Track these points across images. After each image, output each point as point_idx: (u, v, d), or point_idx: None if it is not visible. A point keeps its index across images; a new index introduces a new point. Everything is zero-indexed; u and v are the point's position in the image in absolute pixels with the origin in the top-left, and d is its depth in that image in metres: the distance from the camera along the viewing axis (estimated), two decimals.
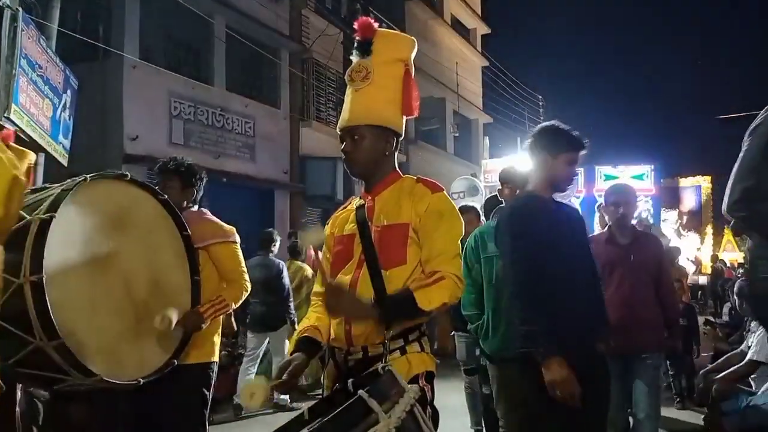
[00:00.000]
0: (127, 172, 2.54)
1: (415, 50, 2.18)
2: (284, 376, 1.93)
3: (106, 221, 2.41)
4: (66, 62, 7.79)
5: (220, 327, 3.06)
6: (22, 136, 6.59)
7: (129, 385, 2.33)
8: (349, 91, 2.14)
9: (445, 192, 2.10)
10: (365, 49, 2.12)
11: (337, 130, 2.15)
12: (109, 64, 9.38)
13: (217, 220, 3.15)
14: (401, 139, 2.18)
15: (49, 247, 2.08)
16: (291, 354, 2.03)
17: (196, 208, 3.18)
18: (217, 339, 2.99)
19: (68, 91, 7.92)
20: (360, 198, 2.18)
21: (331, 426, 1.48)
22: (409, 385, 1.69)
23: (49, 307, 2.03)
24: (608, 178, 13.99)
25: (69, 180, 2.34)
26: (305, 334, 2.08)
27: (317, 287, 2.22)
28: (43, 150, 7.20)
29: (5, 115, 6.19)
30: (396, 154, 2.17)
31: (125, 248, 2.44)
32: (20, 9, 6.49)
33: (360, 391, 1.52)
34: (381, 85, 2.09)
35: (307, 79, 13.38)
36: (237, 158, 11.54)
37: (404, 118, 2.15)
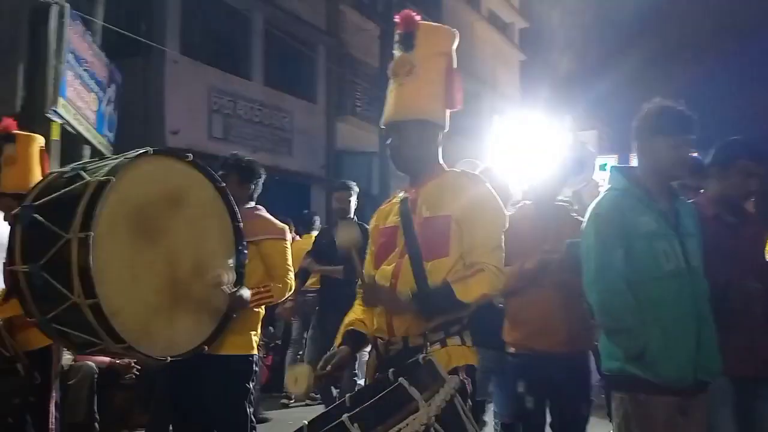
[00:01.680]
0: (189, 154, 2.56)
1: (457, 42, 2.16)
2: (328, 368, 1.96)
3: (161, 196, 2.41)
4: (110, 57, 8.00)
5: (260, 321, 3.06)
6: (68, 128, 6.79)
7: (156, 361, 2.35)
8: (392, 86, 2.13)
9: (488, 184, 2.10)
10: (408, 42, 2.10)
11: (381, 125, 2.15)
12: (152, 60, 9.58)
13: (271, 218, 3.16)
14: (445, 132, 2.17)
15: (102, 209, 2.11)
16: (338, 347, 2.06)
17: (252, 204, 3.17)
18: (255, 332, 2.99)
19: (112, 86, 8.13)
20: (404, 191, 2.19)
21: (372, 412, 1.48)
22: (449, 376, 1.68)
23: (92, 265, 2.05)
24: None
25: (132, 151, 2.37)
26: (351, 327, 2.11)
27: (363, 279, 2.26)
28: (89, 142, 7.41)
29: (53, 108, 6.39)
30: (440, 147, 2.17)
31: (175, 227, 2.43)
32: (67, 4, 6.68)
33: (400, 379, 1.53)
34: (425, 79, 2.08)
35: (343, 74, 13.43)
36: (274, 152, 11.66)
37: (448, 111, 2.14)
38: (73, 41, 6.75)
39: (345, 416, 1.45)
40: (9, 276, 2.30)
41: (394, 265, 2.05)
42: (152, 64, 9.60)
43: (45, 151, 3.60)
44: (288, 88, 12.31)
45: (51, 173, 2.42)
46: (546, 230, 2.82)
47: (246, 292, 2.72)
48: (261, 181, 3.22)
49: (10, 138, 3.51)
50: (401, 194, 2.19)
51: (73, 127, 6.86)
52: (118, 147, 7.95)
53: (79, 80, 6.95)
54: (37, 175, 3.52)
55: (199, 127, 10.20)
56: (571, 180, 3.49)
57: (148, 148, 2.37)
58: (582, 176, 3.94)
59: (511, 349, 2.89)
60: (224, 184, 2.67)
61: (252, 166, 3.18)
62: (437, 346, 1.95)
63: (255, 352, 2.97)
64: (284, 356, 6.33)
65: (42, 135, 6.94)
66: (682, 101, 2.31)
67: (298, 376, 1.99)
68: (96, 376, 4.40)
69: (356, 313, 2.16)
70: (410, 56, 2.09)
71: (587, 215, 2.35)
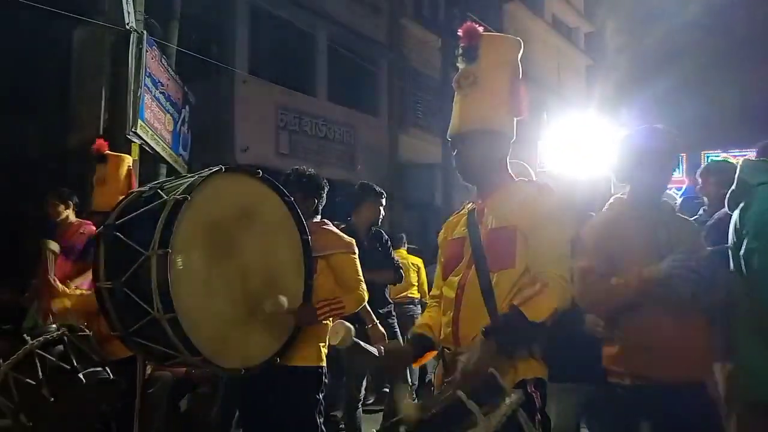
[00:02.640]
0: (259, 170, 2.64)
1: (521, 51, 2.16)
2: (386, 360, 2.09)
3: (233, 212, 2.49)
4: (184, 80, 8.41)
5: (327, 332, 2.99)
6: (146, 149, 7.18)
7: (231, 372, 2.44)
8: (457, 98, 2.14)
9: (556, 194, 2.08)
10: (471, 55, 2.11)
11: (448, 137, 2.16)
12: (222, 80, 9.99)
13: (338, 231, 3.17)
14: (513, 141, 2.16)
15: (179, 226, 2.21)
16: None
17: (318, 218, 3.16)
18: (324, 344, 2.97)
19: (186, 107, 8.54)
20: (472, 203, 2.20)
21: (434, 423, 1.51)
22: (513, 390, 1.66)
23: (170, 280, 2.15)
24: None
25: (206, 170, 2.48)
26: (419, 331, 2.17)
27: (433, 291, 2.29)
28: (165, 161, 7.80)
29: (133, 130, 6.78)
30: (507, 157, 2.16)
31: (247, 241, 2.51)
32: (144, 32, 7.09)
33: (458, 392, 1.53)
34: (489, 90, 2.08)
35: (405, 88, 13.54)
36: (338, 166, 11.87)
37: (515, 120, 2.13)
38: (151, 66, 7.15)
39: (402, 429, 1.47)
40: (95, 292, 2.45)
41: (460, 276, 2.06)
42: (222, 84, 10.01)
43: (133, 171, 3.84)
44: (351, 103, 12.53)
45: (132, 192, 2.56)
46: (656, 231, 2.32)
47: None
48: (324, 193, 3.21)
49: (102, 159, 3.73)
50: (469, 205, 2.20)
51: (151, 147, 7.24)
52: (193, 165, 8.33)
53: (156, 102, 7.34)
54: (122, 195, 3.79)
55: (267, 143, 10.53)
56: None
57: (221, 166, 2.47)
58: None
59: (626, 381, 2.27)
60: (292, 199, 2.72)
61: (314, 180, 3.18)
62: (491, 371, 1.90)
63: (324, 363, 2.97)
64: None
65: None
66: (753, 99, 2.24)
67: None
68: (172, 385, 4.63)
69: (424, 318, 2.21)
70: (474, 68, 2.10)
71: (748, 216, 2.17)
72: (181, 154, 8.35)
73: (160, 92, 7.49)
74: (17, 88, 8.78)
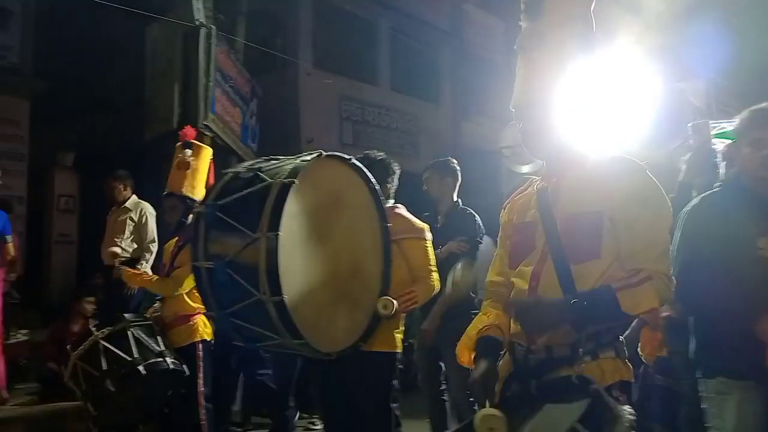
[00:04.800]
0: (351, 156, 2.64)
1: (594, 1, 1.85)
2: (481, 390, 1.81)
3: (328, 198, 2.51)
4: (251, 73, 8.59)
5: (401, 321, 3.05)
6: (218, 141, 7.39)
7: (324, 356, 2.43)
8: (521, 62, 1.88)
9: (649, 173, 1.78)
10: (535, 9, 1.84)
11: (511, 107, 1.90)
12: (287, 73, 10.14)
13: (411, 216, 3.13)
14: None
15: (287, 208, 2.20)
16: (474, 361, 1.88)
17: (391, 203, 3.14)
18: (399, 330, 2.99)
19: (254, 100, 8.74)
20: (542, 179, 1.93)
21: None
22: (620, 408, 1.50)
23: (279, 264, 2.14)
24: None
25: (304, 153, 2.48)
26: (487, 334, 1.90)
27: (492, 276, 2.05)
28: (236, 153, 8.01)
29: (204, 123, 6.99)
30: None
31: (338, 227, 2.52)
32: (213, 27, 7.28)
33: (577, 425, 1.39)
34: (559, 50, 1.80)
35: (467, 74, 13.35)
36: (402, 155, 11.84)
37: None
38: (220, 60, 7.33)
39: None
40: (192, 271, 2.47)
41: (533, 266, 1.81)
42: (288, 77, 10.16)
43: (212, 162, 3.93)
44: (413, 91, 12.45)
45: (226, 173, 2.54)
46: None
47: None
48: (396, 177, 3.19)
49: (188, 145, 3.84)
50: (539, 183, 1.93)
51: (222, 140, 7.45)
52: (261, 156, 8.50)
53: (226, 96, 7.54)
54: (202, 184, 3.83)
55: (331, 134, 10.63)
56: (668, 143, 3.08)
57: (320, 152, 2.45)
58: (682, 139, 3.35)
59: None
60: (377, 186, 2.69)
61: (384, 164, 3.13)
62: (588, 358, 1.70)
63: (399, 350, 2.99)
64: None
65: None
66: None
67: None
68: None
69: (490, 317, 1.94)
70: (539, 25, 1.83)
71: None
72: (250, 146, 8.55)
73: (230, 86, 7.68)
74: (95, 86, 9.23)
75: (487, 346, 1.87)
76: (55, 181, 8.40)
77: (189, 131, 3.83)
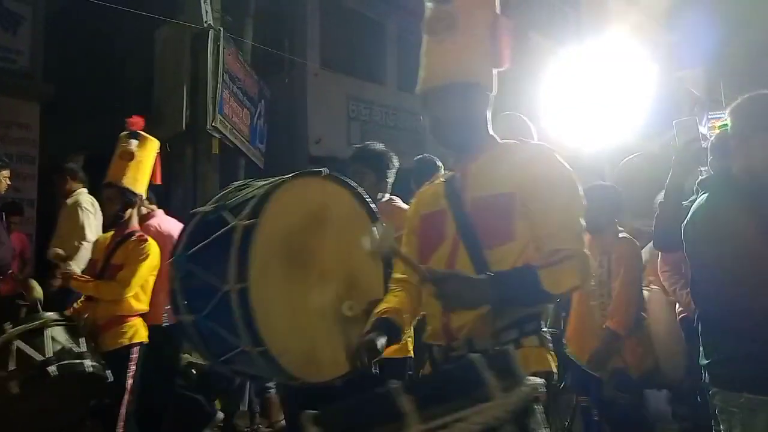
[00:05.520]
0: (324, 168, 2.47)
1: None
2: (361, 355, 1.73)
3: (304, 220, 2.33)
4: (259, 74, 8.61)
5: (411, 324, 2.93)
6: (226, 143, 7.41)
7: (328, 384, 2.26)
8: (428, 45, 1.83)
9: (557, 155, 1.75)
10: None
11: (417, 92, 1.84)
12: (295, 74, 10.16)
13: (407, 207, 2.91)
14: (494, 95, 1.84)
15: (254, 254, 2.06)
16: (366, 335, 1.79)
17: (387, 197, 3.00)
18: (409, 335, 2.81)
19: (262, 101, 8.75)
20: (450, 171, 1.89)
21: (430, 388, 1.21)
22: (532, 378, 1.34)
23: (254, 315, 2.01)
24: None
25: (266, 181, 2.34)
26: (384, 316, 1.83)
27: (396, 275, 1.99)
28: (244, 155, 8.03)
29: (213, 124, 7.00)
30: (489, 114, 1.83)
31: (323, 246, 2.34)
32: (221, 29, 7.30)
33: (471, 355, 1.21)
34: (469, 34, 1.75)
35: None
36: (408, 155, 11.77)
37: (495, 72, 1.81)
38: (228, 62, 7.35)
39: (394, 384, 1.17)
40: (178, 324, 2.33)
41: (446, 257, 1.73)
42: (295, 78, 10.18)
43: (159, 158, 3.62)
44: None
45: (194, 213, 2.40)
46: None
47: None
48: (394, 170, 3.01)
49: (134, 135, 3.48)
50: (446, 174, 1.90)
51: (230, 141, 7.47)
52: (269, 157, 8.53)
53: (234, 98, 7.55)
54: (145, 178, 3.53)
55: (339, 134, 10.63)
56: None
57: (280, 178, 2.27)
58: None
59: None
60: (358, 188, 2.53)
61: (385, 156, 2.97)
62: (511, 347, 1.57)
63: (411, 355, 2.86)
64: None
65: (204, 149, 7.64)
66: None
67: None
68: None
69: (391, 301, 1.88)
70: (448, 7, 1.79)
71: None
72: (258, 147, 8.57)
73: (238, 87, 7.70)
74: (104, 88, 9.29)
75: (380, 326, 1.79)
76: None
77: (136, 120, 3.52)
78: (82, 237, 4.60)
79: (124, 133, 3.51)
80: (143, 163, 3.49)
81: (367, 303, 2.38)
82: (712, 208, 2.17)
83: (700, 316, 2.24)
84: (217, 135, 7.15)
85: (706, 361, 2.17)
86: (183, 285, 2.22)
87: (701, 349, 2.21)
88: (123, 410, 3.26)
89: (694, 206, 2.22)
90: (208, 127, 7.00)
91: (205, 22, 7.19)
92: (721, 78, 7.99)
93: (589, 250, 2.69)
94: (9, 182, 4.78)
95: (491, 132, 1.84)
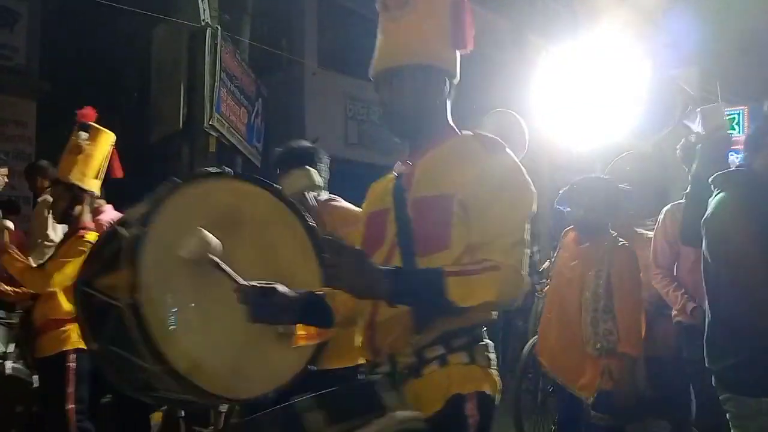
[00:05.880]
0: (227, 168, 2.27)
1: None
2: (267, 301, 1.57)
3: (211, 225, 2.05)
4: (256, 73, 8.60)
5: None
6: (223, 141, 7.40)
7: (260, 399, 2.05)
8: (382, 23, 1.66)
9: (510, 153, 1.56)
10: None
11: (370, 76, 1.67)
12: (293, 73, 10.15)
13: (349, 206, 2.75)
14: (456, 81, 1.68)
15: (146, 265, 1.86)
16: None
17: (325, 196, 2.79)
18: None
19: (260, 100, 8.74)
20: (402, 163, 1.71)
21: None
22: (402, 410, 1.29)
23: (150, 330, 1.82)
24: None
25: (162, 186, 2.11)
26: (320, 295, 1.66)
27: None
28: (241, 153, 8.02)
29: (210, 123, 6.99)
30: (449, 102, 1.67)
31: (237, 251, 2.07)
32: (219, 27, 7.28)
33: (296, 400, 1.19)
34: (425, 11, 1.59)
35: (474, 73, 13.33)
36: None
37: (457, 53, 1.65)
38: (226, 60, 7.34)
39: (296, 401, 1.14)
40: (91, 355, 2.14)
41: (381, 262, 1.53)
42: (293, 77, 10.17)
43: (115, 152, 3.39)
44: None
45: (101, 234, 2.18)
46: None
47: None
48: (326, 166, 2.82)
49: (85, 127, 3.27)
50: (399, 167, 1.71)
51: (227, 140, 7.45)
52: (266, 156, 8.52)
53: (231, 96, 7.54)
54: (95, 173, 3.31)
55: (336, 134, 10.62)
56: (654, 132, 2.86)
57: (174, 181, 2.06)
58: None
59: None
60: (279, 188, 2.34)
61: (310, 153, 2.78)
62: (435, 365, 1.46)
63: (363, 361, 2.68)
64: None
65: (201, 148, 7.62)
66: None
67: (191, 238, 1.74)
68: None
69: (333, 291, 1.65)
70: None
71: None
72: (255, 146, 8.56)
73: (235, 86, 7.69)
74: (101, 86, 9.26)
75: (311, 301, 1.64)
76: None
77: (88, 112, 3.29)
78: (45, 236, 4.43)
79: (76, 126, 3.30)
80: (93, 157, 3.25)
81: None
82: (736, 204, 2.08)
83: (714, 317, 2.15)
84: (214, 133, 7.13)
85: (718, 366, 2.09)
86: (83, 310, 2.03)
87: (708, 353, 2.13)
88: (72, 418, 3.05)
89: (713, 202, 2.14)
90: (205, 125, 6.99)
91: (203, 20, 7.18)
92: (716, 75, 7.97)
93: (581, 257, 2.59)
94: (6, 180, 4.73)
95: (450, 122, 1.66)
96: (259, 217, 2.24)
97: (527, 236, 1.49)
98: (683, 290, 3.26)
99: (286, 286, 1.99)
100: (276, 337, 2.13)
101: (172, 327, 1.90)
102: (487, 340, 1.53)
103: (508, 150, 1.55)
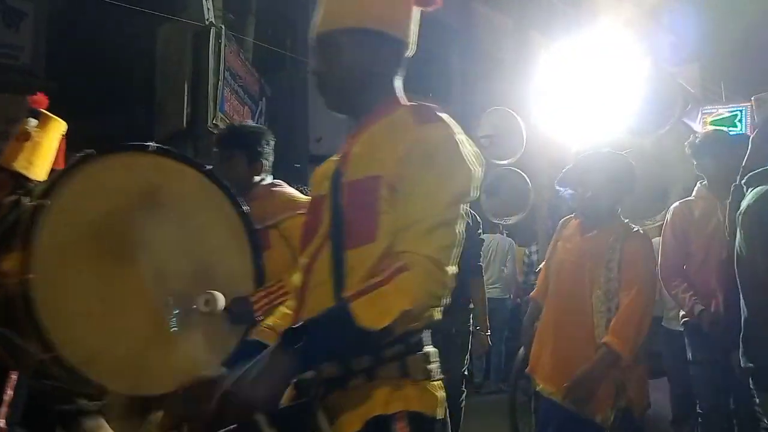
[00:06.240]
0: (150, 143, 2.04)
1: None
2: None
3: (126, 203, 1.92)
4: (260, 73, 8.64)
5: None
6: None
7: (166, 397, 1.79)
8: None
9: (446, 122, 1.31)
10: None
11: (309, 41, 1.48)
12: (296, 73, 10.17)
13: (293, 192, 2.60)
14: (407, 46, 1.45)
15: (43, 240, 1.69)
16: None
17: (268, 180, 2.60)
18: None
19: (263, 99, 8.78)
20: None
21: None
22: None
23: (38, 314, 1.64)
24: None
25: (75, 156, 1.94)
26: (256, 337, 1.41)
27: (295, 277, 1.50)
28: None
29: (213, 122, 7.03)
30: (399, 74, 1.44)
31: (157, 233, 1.93)
32: (223, 27, 7.32)
33: (258, 417, 1.08)
34: None
35: (477, 72, 13.34)
36: None
37: (411, 13, 1.44)
38: (229, 60, 7.38)
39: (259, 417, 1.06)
40: None
41: (312, 254, 1.33)
42: (297, 77, 10.19)
43: (64, 141, 3.19)
44: (422, 90, 12.42)
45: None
46: None
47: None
48: (270, 148, 2.62)
49: (35, 113, 3.07)
50: (342, 147, 1.49)
51: None
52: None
53: (235, 95, 7.58)
54: (44, 162, 3.11)
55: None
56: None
57: (91, 151, 1.86)
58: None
59: None
60: (209, 167, 2.17)
61: (255, 134, 2.62)
62: (362, 378, 1.23)
63: None
64: None
65: (205, 147, 7.66)
66: None
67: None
68: None
69: (278, 315, 1.45)
70: None
71: None
72: None
73: (239, 85, 7.73)
74: (106, 86, 9.31)
75: (244, 351, 1.36)
76: None
77: (39, 98, 3.10)
78: None
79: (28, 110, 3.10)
80: (42, 146, 3.04)
81: (231, 300, 2.04)
82: None
83: (751, 313, 2.05)
84: (218, 132, 7.17)
85: (755, 365, 2.02)
86: None
87: (745, 352, 2.06)
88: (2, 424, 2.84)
89: (752, 194, 2.08)
90: (208, 124, 7.03)
91: (207, 19, 7.22)
92: (719, 73, 7.89)
93: (588, 249, 2.46)
94: None
95: (399, 95, 1.42)
96: (185, 198, 2.06)
97: (456, 218, 1.24)
98: (692, 292, 3.17)
99: (209, 272, 1.92)
100: (195, 328, 1.96)
101: (67, 312, 1.72)
102: (428, 349, 1.28)
103: (443, 118, 1.31)
